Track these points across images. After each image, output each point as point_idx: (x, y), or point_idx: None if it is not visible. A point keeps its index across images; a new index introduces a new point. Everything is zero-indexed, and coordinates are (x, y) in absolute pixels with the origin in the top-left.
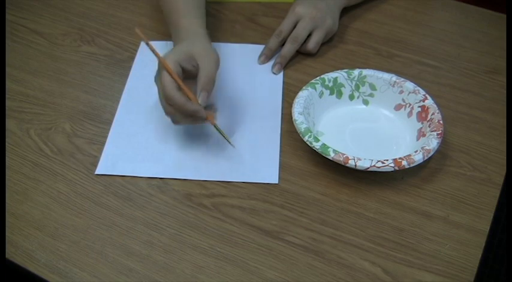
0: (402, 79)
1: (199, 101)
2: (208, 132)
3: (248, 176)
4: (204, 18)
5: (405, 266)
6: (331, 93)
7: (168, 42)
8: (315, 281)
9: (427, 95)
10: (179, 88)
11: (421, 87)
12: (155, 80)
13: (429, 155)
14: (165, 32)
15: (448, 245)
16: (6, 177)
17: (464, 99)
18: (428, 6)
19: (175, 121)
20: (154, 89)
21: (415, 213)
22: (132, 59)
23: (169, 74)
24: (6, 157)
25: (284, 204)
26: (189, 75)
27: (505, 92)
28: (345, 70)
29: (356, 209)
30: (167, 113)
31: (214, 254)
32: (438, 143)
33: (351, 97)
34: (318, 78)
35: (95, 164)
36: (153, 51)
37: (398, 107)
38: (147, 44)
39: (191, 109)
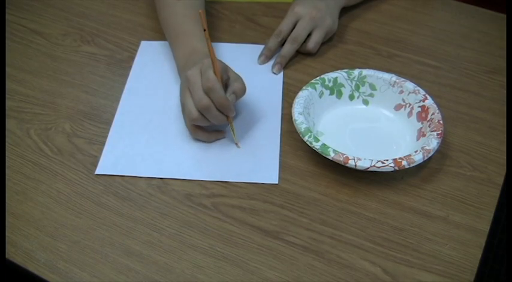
0: (402, 79)
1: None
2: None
3: (248, 176)
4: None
5: (405, 266)
6: (331, 93)
7: (168, 42)
8: (315, 281)
9: (427, 95)
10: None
11: (421, 87)
12: (180, 94)
13: (429, 155)
14: None
15: (448, 245)
16: (6, 177)
17: (464, 99)
18: (428, 6)
19: (202, 123)
20: (154, 89)
21: (415, 213)
22: (132, 59)
23: (215, 70)
24: (6, 157)
25: (284, 204)
26: None
27: (505, 92)
28: (345, 70)
29: (356, 209)
30: (203, 107)
31: (214, 254)
32: (438, 143)
33: (351, 97)
34: (318, 78)
35: (95, 164)
36: (208, 41)
37: (398, 107)
38: (205, 30)
39: (228, 103)
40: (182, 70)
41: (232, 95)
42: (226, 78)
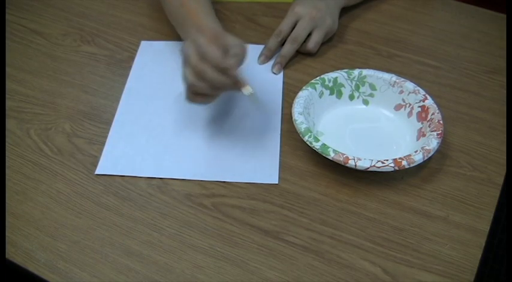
0: (402, 79)
1: (231, 63)
2: (208, 132)
3: (248, 176)
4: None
5: (405, 266)
6: (331, 93)
7: (168, 42)
8: (315, 281)
9: (427, 95)
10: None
11: (421, 87)
12: (185, 48)
13: (429, 155)
14: (165, 32)
15: (448, 245)
16: (6, 177)
17: (464, 99)
18: (428, 6)
19: (198, 99)
20: (155, 89)
21: (415, 213)
22: (132, 59)
23: (207, 36)
24: (6, 157)
25: (284, 204)
26: None
27: (505, 92)
28: (345, 70)
29: (356, 209)
30: (198, 73)
31: (214, 254)
32: (438, 143)
33: (351, 97)
34: (318, 78)
35: (95, 164)
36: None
37: (398, 107)
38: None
39: (225, 64)
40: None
41: (233, 57)
42: (224, 44)
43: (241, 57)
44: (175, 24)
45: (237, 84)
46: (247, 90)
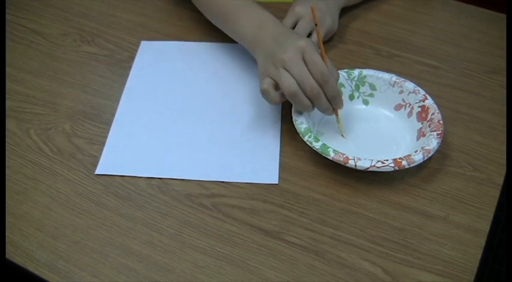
0: (402, 79)
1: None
2: (208, 132)
3: (248, 176)
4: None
5: (405, 266)
6: None
7: (168, 42)
8: (315, 281)
9: (427, 95)
10: None
11: (421, 87)
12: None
13: (429, 155)
14: (165, 32)
15: (448, 245)
16: (6, 177)
17: (464, 99)
18: (428, 6)
19: (300, 105)
20: (154, 89)
21: (415, 213)
22: (132, 59)
23: (323, 56)
24: (6, 157)
25: (284, 204)
26: None
27: (505, 92)
28: (345, 70)
29: (356, 209)
30: (313, 96)
31: (214, 254)
32: (438, 143)
33: (351, 97)
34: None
35: (95, 164)
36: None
37: (398, 107)
38: (316, 25)
39: (340, 96)
40: (254, 43)
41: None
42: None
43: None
44: (214, 16)
45: (335, 112)
46: (337, 118)
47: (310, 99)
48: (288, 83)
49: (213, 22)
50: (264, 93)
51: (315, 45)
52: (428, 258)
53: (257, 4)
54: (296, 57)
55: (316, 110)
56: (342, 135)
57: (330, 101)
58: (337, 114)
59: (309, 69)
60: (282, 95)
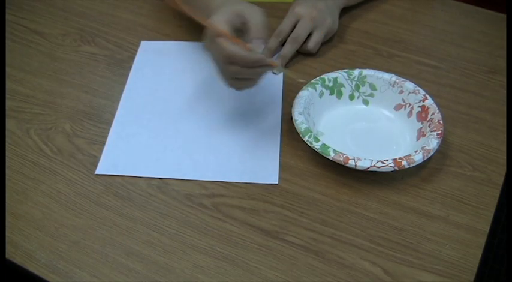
0: (402, 79)
1: (256, 49)
2: (208, 132)
3: (248, 176)
4: None
5: (405, 266)
6: (331, 93)
7: (168, 42)
8: (315, 281)
9: (427, 95)
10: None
11: (421, 87)
12: (206, 48)
13: (429, 155)
14: (165, 32)
15: (448, 245)
16: (6, 177)
17: (464, 99)
18: (428, 6)
19: (234, 81)
20: (155, 89)
21: (415, 213)
22: (132, 59)
23: (223, 34)
24: (6, 157)
25: (284, 204)
26: (239, 34)
27: (505, 92)
28: (345, 70)
29: (356, 209)
30: (232, 74)
31: (214, 254)
32: (438, 143)
33: (351, 97)
34: (318, 78)
35: (95, 164)
36: (196, 19)
37: (398, 107)
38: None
39: (255, 58)
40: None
41: (255, 40)
42: (243, 21)
43: (262, 33)
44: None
45: (270, 66)
46: (278, 69)
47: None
48: (221, 73)
49: None
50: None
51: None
52: (428, 258)
53: None
54: (207, 46)
55: (316, 109)
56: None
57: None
58: (276, 65)
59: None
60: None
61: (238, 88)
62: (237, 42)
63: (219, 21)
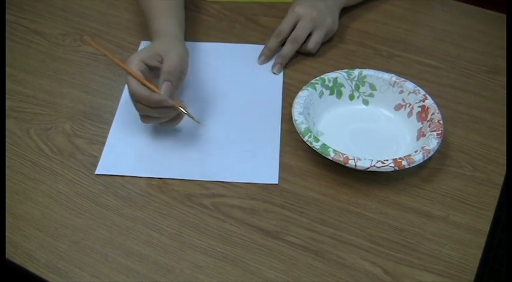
0: (402, 79)
1: (161, 91)
2: (208, 133)
3: (248, 176)
4: (179, 17)
5: (405, 266)
6: (331, 93)
7: None
8: (315, 281)
9: (427, 95)
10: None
11: (421, 87)
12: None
13: (429, 155)
14: None
15: (448, 245)
16: (6, 177)
17: (464, 99)
18: (428, 6)
19: (145, 118)
20: None
21: (415, 213)
22: None
23: (130, 73)
24: (6, 157)
25: (284, 204)
26: (157, 72)
27: (505, 92)
28: (345, 70)
29: (356, 209)
30: (137, 109)
31: (214, 254)
32: (438, 143)
33: (351, 97)
34: (318, 78)
35: (95, 164)
36: (107, 54)
37: (398, 107)
38: (99, 50)
39: (156, 99)
40: None
41: (164, 82)
42: (159, 62)
43: (172, 76)
44: (145, 18)
45: (173, 108)
46: (182, 110)
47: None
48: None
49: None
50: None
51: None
52: (428, 258)
53: (171, 17)
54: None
55: (316, 109)
56: (198, 123)
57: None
58: (178, 107)
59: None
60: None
61: (148, 123)
62: (145, 82)
63: (135, 60)
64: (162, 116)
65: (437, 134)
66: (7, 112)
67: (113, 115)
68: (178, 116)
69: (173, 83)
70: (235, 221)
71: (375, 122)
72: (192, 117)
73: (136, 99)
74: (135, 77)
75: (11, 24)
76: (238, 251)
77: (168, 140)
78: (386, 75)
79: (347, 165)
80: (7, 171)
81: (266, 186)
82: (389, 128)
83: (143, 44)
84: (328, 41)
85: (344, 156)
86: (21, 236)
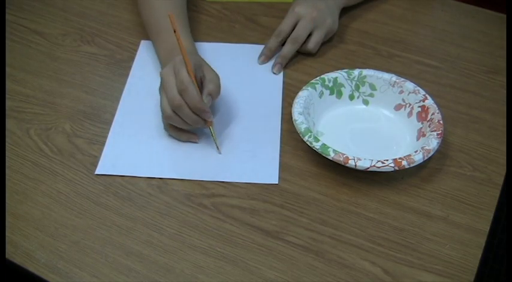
0: (402, 79)
1: (206, 105)
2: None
3: (248, 176)
4: (190, 35)
5: (405, 266)
6: (331, 93)
7: None
8: (315, 281)
9: (427, 95)
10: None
11: (421, 87)
12: (164, 75)
13: (429, 155)
14: None
15: (448, 245)
16: (6, 177)
17: (464, 99)
18: (428, 6)
19: (171, 125)
20: (155, 89)
21: (415, 213)
22: (132, 59)
23: (188, 69)
24: (6, 157)
25: (284, 204)
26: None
27: (505, 92)
28: (345, 70)
29: (356, 209)
30: (174, 106)
31: (214, 254)
32: (438, 143)
33: (351, 97)
34: (318, 78)
35: (95, 164)
36: (179, 41)
37: (398, 107)
38: (175, 31)
39: (202, 106)
40: (163, 68)
41: (207, 96)
42: (202, 76)
43: (215, 95)
44: (149, 34)
45: (207, 124)
46: (211, 130)
47: (175, 112)
48: (164, 105)
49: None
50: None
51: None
52: (428, 258)
53: (185, 31)
54: (168, 72)
55: (316, 109)
56: (218, 149)
57: (194, 112)
58: (208, 126)
59: (176, 84)
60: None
61: (171, 133)
62: (196, 85)
63: (190, 59)
64: (189, 126)
65: (437, 134)
66: (7, 112)
67: (113, 115)
68: (193, 136)
69: (214, 99)
70: (235, 221)
71: (375, 122)
72: (215, 141)
73: (183, 94)
74: (189, 74)
75: (11, 24)
76: (238, 251)
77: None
78: (386, 75)
79: (347, 165)
80: (7, 171)
81: (266, 186)
82: (389, 128)
83: (143, 44)
84: (328, 41)
85: (344, 156)
86: (21, 236)
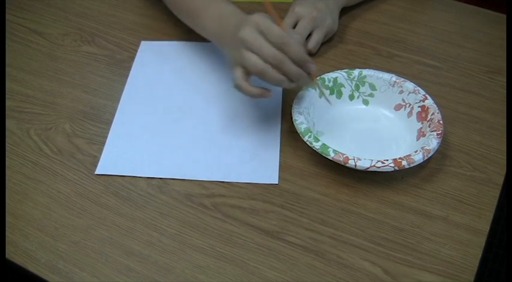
0: (402, 79)
1: (312, 40)
2: (208, 132)
3: (248, 176)
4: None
5: (405, 266)
6: (331, 93)
7: (168, 42)
8: (315, 281)
9: (427, 95)
10: None
11: (421, 87)
12: (244, 35)
13: (429, 155)
14: (165, 32)
15: (448, 245)
16: (6, 177)
17: (464, 99)
18: (428, 6)
19: (271, 78)
20: (154, 89)
21: (415, 213)
22: (132, 59)
23: (279, 24)
24: (6, 157)
25: (284, 204)
26: None
27: (505, 92)
28: (345, 70)
29: (356, 209)
30: (277, 62)
31: (214, 254)
32: (438, 143)
33: (351, 97)
34: (318, 78)
35: (95, 164)
36: (270, 9)
37: (398, 107)
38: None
39: (306, 57)
40: (219, 37)
41: (312, 41)
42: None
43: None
44: (183, 16)
45: (311, 77)
46: (316, 84)
47: (272, 68)
48: (252, 62)
49: (182, 20)
50: (238, 88)
51: (268, 16)
52: (428, 258)
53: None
54: (251, 31)
55: (316, 109)
56: (329, 102)
57: (299, 66)
58: (313, 80)
59: (267, 39)
60: (257, 87)
61: (249, 91)
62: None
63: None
64: (285, 84)
65: (437, 134)
66: (7, 112)
67: (113, 115)
68: (266, 91)
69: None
70: (235, 221)
71: (375, 122)
72: (324, 95)
73: (284, 42)
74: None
75: (11, 24)
76: (238, 251)
77: (168, 140)
78: (386, 75)
79: (347, 165)
80: (7, 171)
81: (266, 186)
82: (389, 128)
83: (143, 44)
84: (328, 41)
85: (344, 156)
86: (21, 236)
